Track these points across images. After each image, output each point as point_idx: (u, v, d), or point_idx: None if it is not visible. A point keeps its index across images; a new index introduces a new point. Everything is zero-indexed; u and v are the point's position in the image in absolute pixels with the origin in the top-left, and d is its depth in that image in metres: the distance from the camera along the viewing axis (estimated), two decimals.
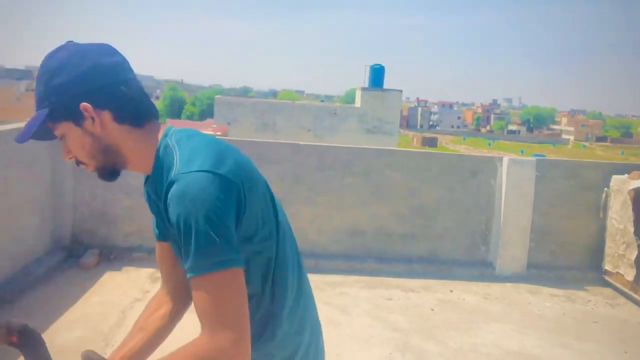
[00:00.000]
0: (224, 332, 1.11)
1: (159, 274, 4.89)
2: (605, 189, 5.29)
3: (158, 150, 1.21)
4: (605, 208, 5.31)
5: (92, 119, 1.17)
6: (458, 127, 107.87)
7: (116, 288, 4.36)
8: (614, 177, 5.24)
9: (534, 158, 5.52)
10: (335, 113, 19.82)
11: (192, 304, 1.18)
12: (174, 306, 1.46)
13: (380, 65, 20.27)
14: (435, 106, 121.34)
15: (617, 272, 5.09)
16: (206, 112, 38.27)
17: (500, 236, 5.25)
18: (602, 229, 5.34)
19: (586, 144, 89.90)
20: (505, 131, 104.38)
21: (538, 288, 5.03)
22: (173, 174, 1.13)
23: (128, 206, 5.10)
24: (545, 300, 4.76)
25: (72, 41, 1.24)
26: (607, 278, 5.23)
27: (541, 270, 5.29)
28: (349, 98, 53.90)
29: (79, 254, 4.96)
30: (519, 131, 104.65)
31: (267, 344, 1.29)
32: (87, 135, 1.19)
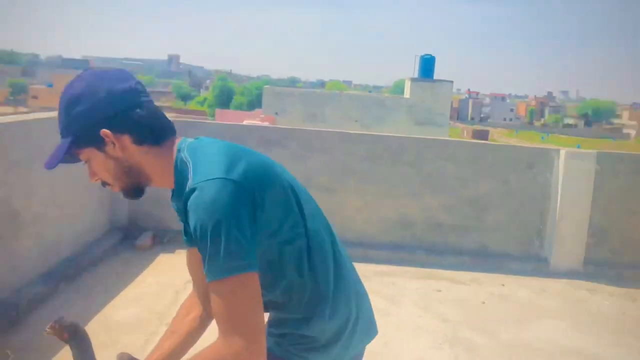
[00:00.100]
0: (237, 337, 1.16)
1: None
2: None
3: (175, 164, 1.27)
4: None
5: (113, 143, 1.24)
6: (510, 120, 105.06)
7: (170, 269, 4.48)
8: None
9: (594, 151, 5.31)
10: (383, 104, 19.65)
11: None
12: (204, 310, 1.51)
13: (430, 55, 19.94)
14: (487, 98, 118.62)
15: None
16: (254, 102, 38.67)
17: (555, 231, 5.10)
18: None
19: None
20: (561, 125, 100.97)
21: (596, 285, 4.85)
22: (188, 185, 1.19)
23: None
24: (604, 299, 4.60)
25: (89, 69, 1.33)
26: None
27: (600, 268, 5.10)
28: (398, 89, 53.36)
29: (135, 235, 5.12)
30: (576, 125, 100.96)
31: (319, 322, 1.34)
32: (110, 159, 1.26)
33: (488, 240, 5.27)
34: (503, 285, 4.72)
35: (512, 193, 5.25)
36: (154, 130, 1.27)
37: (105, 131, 1.22)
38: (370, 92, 48.14)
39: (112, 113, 1.22)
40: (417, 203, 5.24)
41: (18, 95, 52.95)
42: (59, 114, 1.26)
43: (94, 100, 1.22)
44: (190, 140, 1.33)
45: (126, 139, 1.25)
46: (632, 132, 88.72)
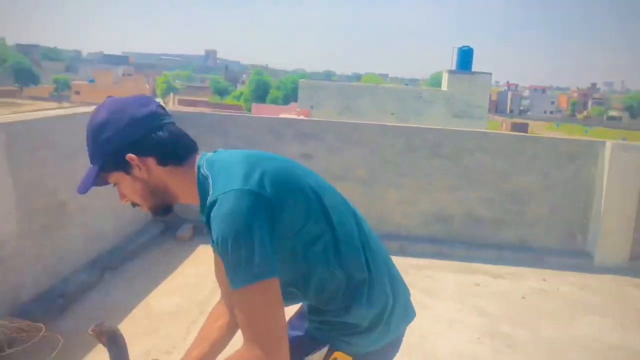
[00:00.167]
0: (258, 344, 1.21)
1: None
2: None
3: (198, 180, 1.33)
4: None
5: (139, 166, 1.31)
6: (551, 112, 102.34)
7: (209, 260, 4.51)
8: None
9: None
10: (420, 96, 19.45)
11: None
12: (231, 317, 1.56)
13: (468, 47, 19.60)
14: (527, 90, 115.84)
15: None
16: (290, 96, 38.81)
17: (600, 225, 4.96)
18: None
19: None
20: (605, 117, 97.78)
21: None
22: (209, 199, 1.25)
23: None
24: None
25: (111, 96, 1.38)
26: None
27: None
28: (435, 81, 52.70)
29: (176, 227, 5.22)
30: (621, 117, 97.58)
31: (358, 310, 1.37)
32: (137, 181, 1.33)
33: (528, 234, 5.18)
34: (544, 280, 4.63)
35: (553, 186, 5.13)
36: (177, 150, 1.34)
37: (130, 156, 1.29)
38: (406, 85, 47.68)
39: (136, 138, 1.29)
40: (455, 196, 5.18)
41: (62, 90, 54.50)
42: (87, 142, 1.33)
43: (118, 126, 1.29)
44: (208, 155, 1.38)
45: (151, 161, 1.31)
46: None
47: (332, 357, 1.41)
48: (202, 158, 1.36)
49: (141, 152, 1.30)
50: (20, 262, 3.33)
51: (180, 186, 1.36)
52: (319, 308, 1.45)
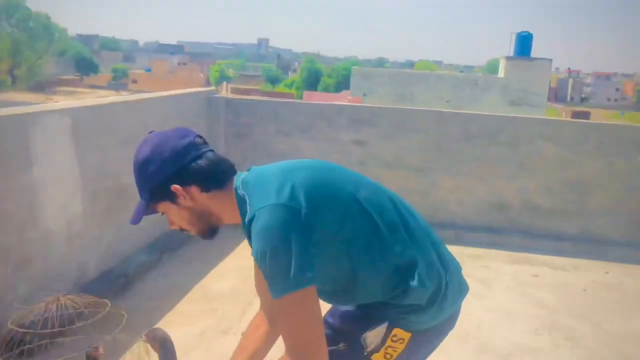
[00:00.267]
0: (298, 352, 1.30)
1: None
2: None
3: (237, 201, 1.40)
4: None
5: (184, 195, 1.39)
6: (615, 100, 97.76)
7: None
8: None
9: None
10: (476, 84, 19.01)
11: None
12: (271, 326, 1.63)
13: (527, 32, 18.97)
14: (589, 77, 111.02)
15: None
16: (342, 84, 38.70)
17: None
18: None
19: None
20: None
21: None
22: (247, 217, 1.33)
23: None
24: None
25: (152, 131, 1.46)
26: None
27: None
28: (491, 68, 51.31)
29: None
30: None
31: (415, 291, 1.41)
32: (183, 209, 1.42)
33: (591, 225, 4.98)
34: (607, 272, 4.45)
35: (618, 176, 4.91)
36: (217, 176, 1.41)
37: (175, 187, 1.37)
38: (461, 72, 46.65)
39: (178, 169, 1.37)
40: (513, 185, 5.04)
41: (120, 79, 56.34)
42: (135, 176, 1.43)
43: (161, 160, 1.37)
44: (243, 175, 1.45)
45: (194, 190, 1.39)
46: None
47: (392, 333, 1.44)
48: (238, 179, 1.43)
49: (185, 182, 1.38)
50: (84, 242, 3.48)
51: (223, 209, 1.44)
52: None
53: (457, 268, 1.59)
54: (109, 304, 2.05)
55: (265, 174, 1.41)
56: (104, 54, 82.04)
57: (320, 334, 1.32)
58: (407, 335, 1.45)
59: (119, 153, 3.79)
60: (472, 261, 4.49)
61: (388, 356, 1.46)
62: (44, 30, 45.09)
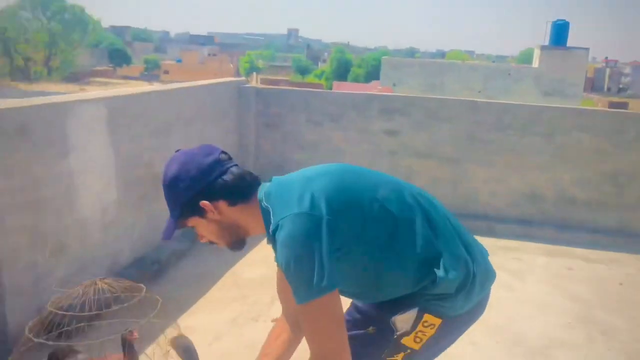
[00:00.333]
0: (321, 357, 1.36)
1: None
2: None
3: (262, 213, 1.46)
4: None
5: (212, 210, 1.45)
6: None
7: None
8: None
9: None
10: (509, 74, 18.67)
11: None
12: (292, 332, 1.69)
13: (564, 20, 18.51)
14: (628, 67, 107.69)
15: None
16: (372, 74, 38.44)
17: None
18: None
19: None
20: None
21: None
22: (271, 229, 1.39)
23: (302, 160, 5.34)
24: None
25: (179, 150, 1.52)
26: None
27: None
28: (525, 58, 50.25)
29: None
30: None
31: (443, 281, 1.44)
32: (212, 223, 1.48)
33: (629, 218, 4.85)
34: None
35: None
36: (243, 190, 1.47)
37: (204, 202, 1.44)
38: (493, 62, 45.82)
39: (206, 185, 1.43)
40: (547, 176, 4.94)
41: (152, 70, 57.10)
42: (164, 194, 1.50)
43: (188, 178, 1.43)
44: (265, 186, 1.50)
45: (222, 204, 1.46)
46: None
47: (423, 319, 1.48)
48: (261, 191, 1.49)
49: (212, 198, 1.44)
50: (119, 229, 3.54)
51: (249, 221, 1.50)
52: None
53: (484, 255, 1.61)
54: (144, 289, 2.09)
55: (286, 184, 1.46)
56: (136, 45, 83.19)
57: (343, 339, 1.38)
58: (437, 321, 1.49)
59: (153, 142, 3.84)
60: (504, 253, 4.43)
61: (418, 340, 1.50)
62: (78, 22, 45.95)
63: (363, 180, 1.51)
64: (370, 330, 1.57)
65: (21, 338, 2.04)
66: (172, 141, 4.09)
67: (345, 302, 1.52)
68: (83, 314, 1.91)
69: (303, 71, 56.61)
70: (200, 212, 1.46)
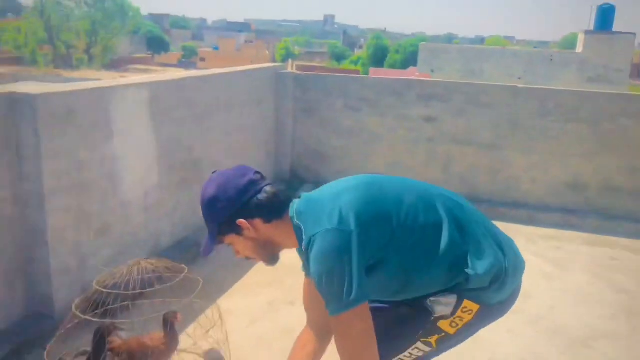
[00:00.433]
0: None
1: None
2: None
3: (294, 230, 1.54)
4: None
5: (249, 228, 1.53)
6: None
7: None
8: None
9: None
10: (551, 59, 18.17)
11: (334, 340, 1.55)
12: (317, 342, 1.75)
13: (610, 4, 17.86)
14: None
15: None
16: (409, 60, 37.95)
17: None
18: None
19: None
20: None
21: None
22: (304, 246, 1.48)
23: (339, 146, 5.33)
24: None
25: (216, 171, 1.61)
26: None
27: None
28: (568, 43, 48.73)
29: (296, 187, 5.37)
30: None
31: (475, 277, 1.50)
32: (248, 240, 1.56)
33: None
34: None
35: None
36: (277, 208, 1.55)
37: (241, 221, 1.52)
38: (535, 47, 44.61)
39: (242, 204, 1.51)
40: (591, 164, 4.80)
41: (189, 57, 57.72)
42: (203, 214, 1.57)
43: (226, 198, 1.51)
44: (295, 203, 1.58)
45: (258, 222, 1.54)
46: None
47: (462, 305, 1.54)
48: (292, 209, 1.56)
49: (248, 216, 1.52)
50: (160, 212, 3.62)
51: (283, 237, 1.58)
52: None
53: (513, 247, 1.65)
54: (186, 269, 2.13)
55: (315, 201, 1.54)
56: (174, 33, 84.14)
57: (373, 348, 1.45)
58: (475, 307, 1.55)
59: (193, 126, 3.89)
60: (544, 242, 4.34)
61: (454, 325, 1.56)
62: (118, 9, 46.72)
63: (389, 191, 1.56)
64: (406, 310, 1.63)
65: (68, 315, 2.11)
66: (212, 126, 4.14)
67: None
68: (127, 292, 1.96)
69: (339, 57, 56.28)
70: (237, 230, 1.54)
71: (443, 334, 1.59)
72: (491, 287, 1.53)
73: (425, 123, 5.04)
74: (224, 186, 1.53)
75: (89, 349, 2.07)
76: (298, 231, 1.52)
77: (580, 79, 16.60)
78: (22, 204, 2.64)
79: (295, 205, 1.57)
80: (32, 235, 2.69)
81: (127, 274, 1.99)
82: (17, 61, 38.38)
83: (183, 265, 2.13)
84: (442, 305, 1.55)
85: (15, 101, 2.56)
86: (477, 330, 1.65)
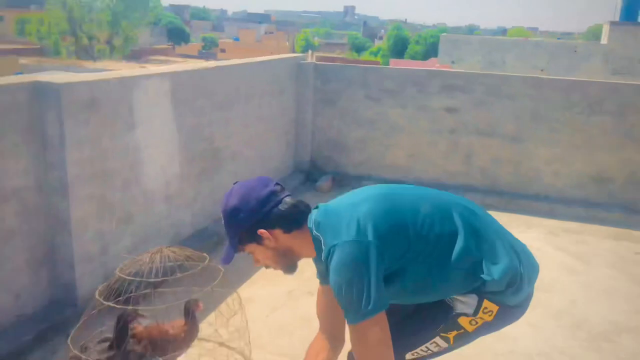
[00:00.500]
0: None
1: None
2: None
3: (313, 240, 1.58)
4: None
5: (269, 238, 1.57)
6: None
7: None
8: None
9: None
10: (575, 51, 17.84)
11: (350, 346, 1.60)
12: (331, 351, 1.78)
13: None
14: None
15: None
16: (430, 51, 37.60)
17: None
18: None
19: None
20: None
21: None
22: (323, 257, 1.52)
23: (359, 137, 5.31)
24: None
25: (237, 182, 1.63)
26: None
27: None
28: (593, 35, 47.84)
29: (316, 178, 5.37)
30: None
31: (491, 283, 1.54)
32: (268, 249, 1.61)
33: None
34: None
35: None
36: (296, 218, 1.59)
37: (261, 231, 1.56)
38: (558, 38, 43.88)
39: (262, 215, 1.55)
40: (616, 157, 4.71)
41: (209, 49, 57.87)
42: (224, 223, 1.61)
43: (247, 208, 1.55)
44: (314, 214, 1.61)
45: (278, 232, 1.58)
46: None
47: (483, 305, 1.58)
48: (310, 220, 1.60)
49: (269, 226, 1.56)
50: (181, 201, 3.64)
51: (302, 246, 1.62)
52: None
53: (527, 253, 1.68)
54: (208, 258, 2.14)
55: (333, 212, 1.58)
56: (194, 24, 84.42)
57: (389, 355, 1.50)
58: (495, 308, 1.59)
59: (213, 116, 3.91)
60: (567, 235, 4.28)
61: (473, 323, 1.61)
62: (140, 1, 46.99)
63: (405, 201, 1.60)
64: (427, 305, 1.66)
65: (91, 301, 2.13)
66: (232, 116, 4.15)
67: None
68: (149, 280, 1.98)
69: (359, 48, 55.97)
70: (258, 239, 1.58)
71: (462, 331, 1.63)
72: (507, 290, 1.57)
73: (446, 114, 5.00)
74: (246, 197, 1.57)
75: (111, 335, 2.09)
76: (317, 242, 1.56)
77: (605, 71, 16.29)
78: (46, 193, 2.68)
79: (313, 215, 1.61)
80: (56, 223, 2.73)
81: (149, 262, 2.00)
82: (40, 52, 38.89)
83: (204, 254, 2.14)
84: (462, 304, 1.59)
85: (40, 90, 2.59)
86: (492, 331, 1.68)
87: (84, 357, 1.99)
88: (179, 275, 2.06)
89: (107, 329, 2.15)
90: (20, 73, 14.60)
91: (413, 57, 38.47)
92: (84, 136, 2.75)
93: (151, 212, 3.35)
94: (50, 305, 2.79)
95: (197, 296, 2.17)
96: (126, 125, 3.05)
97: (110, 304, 2.05)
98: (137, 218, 3.21)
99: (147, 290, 2.10)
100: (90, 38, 44.38)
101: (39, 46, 40.20)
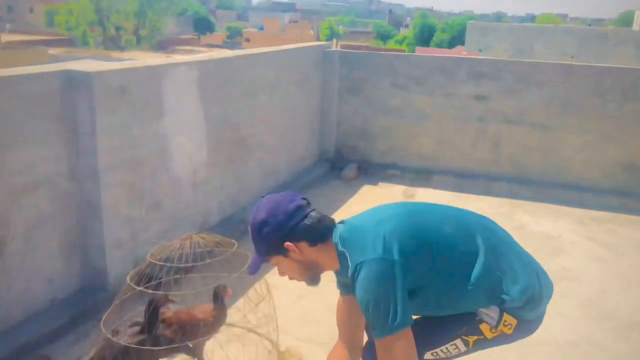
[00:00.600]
0: None
1: (411, 191, 5.00)
2: None
3: (338, 255, 1.63)
4: None
5: (295, 251, 1.61)
6: None
7: (374, 200, 4.63)
8: None
9: None
10: (606, 37, 17.42)
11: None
12: (351, 357, 1.83)
13: None
14: None
15: None
16: (456, 39, 37.03)
17: None
18: None
19: None
20: None
21: None
22: (349, 273, 1.56)
23: (385, 125, 5.28)
24: None
25: (265, 195, 1.69)
26: None
27: None
28: (624, 21, 46.54)
29: (341, 166, 5.37)
30: None
31: (510, 301, 1.60)
32: (294, 262, 1.65)
33: None
34: None
35: None
36: (322, 232, 1.63)
37: (288, 244, 1.60)
38: (589, 25, 42.80)
39: (289, 228, 1.60)
40: None
41: (233, 38, 58.02)
42: (252, 236, 1.66)
43: (275, 222, 1.60)
44: (339, 229, 1.66)
45: (303, 245, 1.62)
46: None
47: (503, 318, 1.64)
48: (336, 235, 1.65)
49: (295, 239, 1.61)
50: (208, 189, 3.68)
51: (326, 259, 1.66)
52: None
53: (543, 271, 1.73)
54: (236, 244, 2.16)
55: (358, 229, 1.62)
56: (219, 13, 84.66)
57: None
58: (514, 322, 1.64)
59: (240, 104, 3.93)
60: (597, 225, 4.21)
61: (493, 331, 1.66)
62: None
63: (429, 220, 1.66)
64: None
65: (123, 286, 2.18)
66: (258, 104, 4.17)
67: None
68: (179, 265, 2.01)
69: (384, 37, 55.44)
70: (284, 252, 1.62)
71: (482, 337, 1.67)
72: (525, 306, 1.62)
73: (475, 102, 4.93)
74: (274, 210, 1.62)
75: (141, 319, 2.13)
76: (342, 257, 1.61)
77: (636, 58, 15.87)
78: (78, 179, 2.74)
79: (339, 230, 1.66)
80: (87, 209, 2.78)
81: (179, 248, 2.03)
82: (69, 43, 39.48)
83: (233, 240, 2.16)
84: (486, 315, 1.64)
85: (72, 78, 2.64)
86: (508, 343, 1.72)
87: (115, 339, 2.03)
88: (208, 261, 2.08)
89: (138, 314, 2.19)
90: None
91: (439, 46, 37.96)
92: (115, 124, 2.79)
93: (179, 199, 3.39)
94: (82, 290, 2.86)
95: (225, 282, 2.19)
96: (155, 113, 3.08)
97: (142, 288, 2.09)
98: (165, 205, 3.26)
99: (177, 276, 2.13)
100: (117, 28, 44.92)
101: (67, 37, 40.81)
